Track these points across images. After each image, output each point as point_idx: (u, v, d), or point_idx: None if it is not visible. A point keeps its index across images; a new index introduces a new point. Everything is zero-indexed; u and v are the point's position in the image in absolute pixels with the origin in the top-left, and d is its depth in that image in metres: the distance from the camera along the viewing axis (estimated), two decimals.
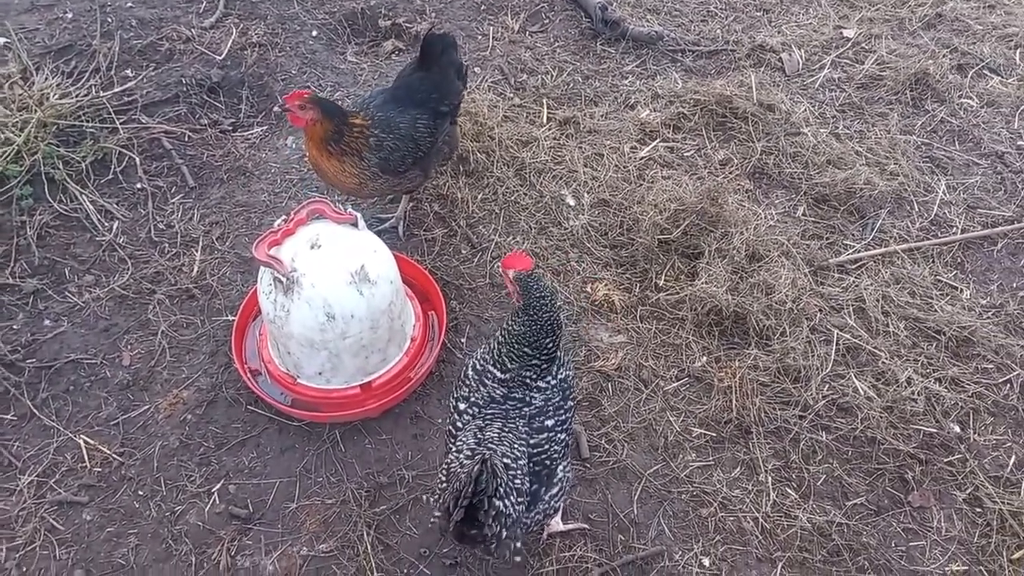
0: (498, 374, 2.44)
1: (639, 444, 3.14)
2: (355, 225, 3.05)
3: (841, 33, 5.13)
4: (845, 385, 3.29)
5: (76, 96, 4.28)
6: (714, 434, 3.17)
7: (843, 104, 4.66)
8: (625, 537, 2.88)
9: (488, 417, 2.42)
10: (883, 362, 3.36)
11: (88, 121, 4.21)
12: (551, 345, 2.41)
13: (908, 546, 2.90)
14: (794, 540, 2.88)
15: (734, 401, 3.22)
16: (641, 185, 4.07)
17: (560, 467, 2.48)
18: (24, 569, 2.78)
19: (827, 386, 3.29)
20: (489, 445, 2.26)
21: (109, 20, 4.78)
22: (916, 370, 3.34)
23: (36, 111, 4.08)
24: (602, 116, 4.52)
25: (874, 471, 3.07)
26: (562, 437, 2.45)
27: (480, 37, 5.02)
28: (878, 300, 3.59)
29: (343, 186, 3.43)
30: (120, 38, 4.64)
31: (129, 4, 4.93)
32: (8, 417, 3.17)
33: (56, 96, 4.20)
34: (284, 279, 2.83)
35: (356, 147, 3.26)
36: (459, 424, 2.46)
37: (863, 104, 4.65)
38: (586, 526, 2.90)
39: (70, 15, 4.81)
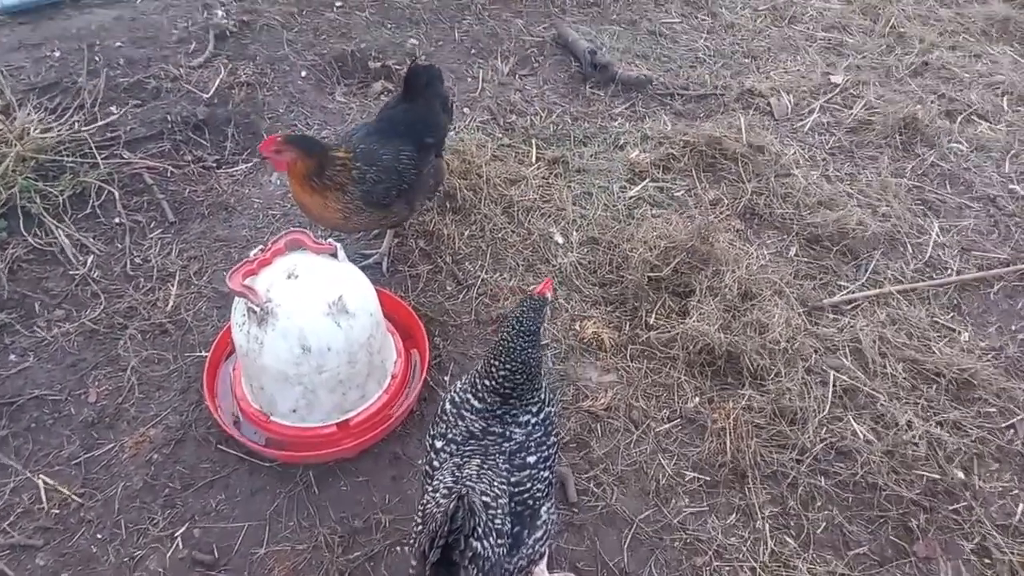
0: (476, 404, 2.31)
1: (629, 488, 2.99)
2: (335, 256, 2.95)
3: (829, 79, 5.17)
4: (843, 428, 3.16)
5: (57, 131, 4.22)
6: (708, 478, 3.02)
7: (833, 147, 4.65)
8: None
9: (467, 454, 2.28)
10: (882, 404, 3.24)
11: (68, 156, 4.14)
12: (521, 378, 2.28)
13: None
14: None
15: (728, 443, 3.08)
16: (631, 223, 4.00)
17: (544, 508, 2.32)
18: None
19: (825, 429, 3.16)
20: (467, 482, 2.10)
21: (97, 59, 4.77)
22: (916, 413, 3.22)
23: (15, 145, 4.01)
24: (591, 156, 4.49)
25: (876, 519, 2.92)
26: (545, 475, 2.31)
27: (470, 79, 5.03)
28: (875, 341, 3.49)
29: (327, 221, 3.34)
30: (106, 76, 4.62)
31: (118, 44, 4.92)
32: None
33: (37, 131, 4.14)
34: (258, 309, 2.71)
35: (339, 181, 3.19)
36: (435, 463, 2.31)
37: (853, 147, 4.65)
38: (573, 575, 2.72)
39: (58, 53, 4.79)
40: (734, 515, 2.92)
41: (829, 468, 3.04)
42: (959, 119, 4.84)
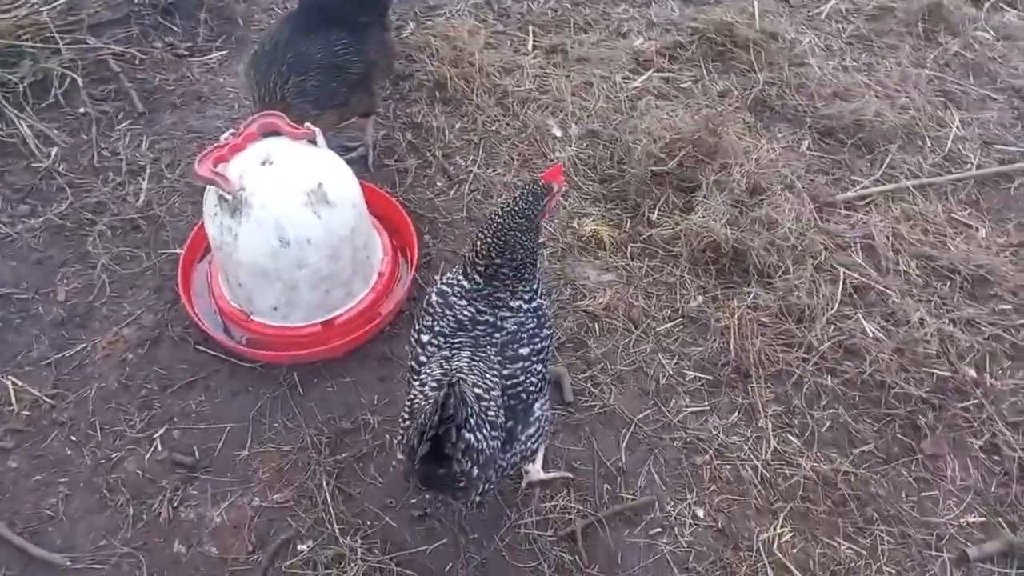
0: (465, 284, 2.16)
1: (628, 388, 2.86)
2: (313, 142, 2.72)
3: None
4: (852, 326, 3.02)
5: (15, 14, 3.88)
6: (710, 377, 2.90)
7: (851, 36, 4.33)
8: (612, 486, 2.62)
9: (456, 346, 2.13)
10: (893, 302, 3.09)
11: (28, 41, 3.82)
12: (502, 259, 2.14)
13: (920, 496, 2.65)
14: (796, 490, 2.63)
15: (732, 342, 2.94)
16: (633, 116, 3.74)
17: (538, 404, 2.20)
18: None
19: (833, 327, 3.02)
20: (457, 374, 1.95)
21: None
22: (929, 311, 3.07)
23: None
24: (592, 44, 4.17)
25: (883, 417, 2.82)
26: (538, 368, 2.17)
27: None
28: (888, 237, 3.31)
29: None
30: None
31: None
32: None
33: None
34: (230, 198, 2.50)
35: (285, 109, 2.85)
36: (422, 359, 2.16)
37: (872, 36, 4.32)
38: (570, 475, 2.63)
39: None
40: (736, 414, 2.81)
41: (836, 367, 2.92)
42: (986, 6, 4.50)
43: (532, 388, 2.15)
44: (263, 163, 2.62)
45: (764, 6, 4.35)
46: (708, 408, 2.83)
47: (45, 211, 3.28)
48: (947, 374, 2.90)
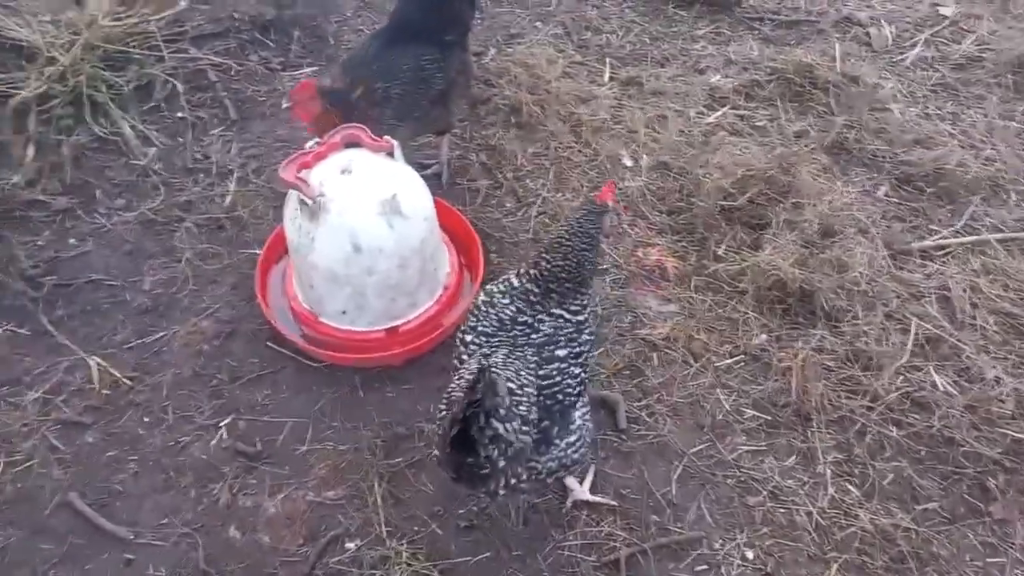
0: (514, 282, 2.28)
1: (683, 420, 2.84)
2: (391, 155, 2.83)
3: (937, 11, 4.70)
4: (923, 379, 2.93)
5: (126, 22, 4.16)
6: (769, 417, 2.85)
7: (935, 84, 4.25)
8: (660, 518, 2.59)
9: (495, 345, 2.22)
10: (968, 357, 2.99)
11: (136, 47, 4.09)
12: (565, 274, 2.26)
13: (986, 562, 2.53)
14: (853, 541, 2.55)
15: (794, 384, 2.89)
16: (706, 150, 3.74)
17: (579, 413, 2.25)
18: (19, 486, 2.63)
19: (901, 378, 2.93)
20: (493, 370, 2.01)
21: None
22: (1006, 369, 2.95)
23: (84, 33, 3.97)
24: (668, 78, 4.20)
25: (950, 475, 2.71)
26: (576, 372, 2.23)
27: None
28: (965, 290, 3.20)
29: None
30: None
31: None
32: (22, 332, 3.05)
33: (106, 20, 4.09)
34: (311, 203, 2.62)
35: (366, 113, 3.01)
36: (464, 356, 2.25)
37: (958, 85, 4.23)
38: (615, 503, 2.61)
39: None
40: (794, 457, 2.75)
41: (903, 419, 2.83)
42: None
43: (569, 391, 2.20)
44: (343, 172, 2.73)
45: (846, 49, 4.32)
46: (765, 448, 2.78)
47: (139, 206, 3.49)
48: (1022, 436, 2.77)
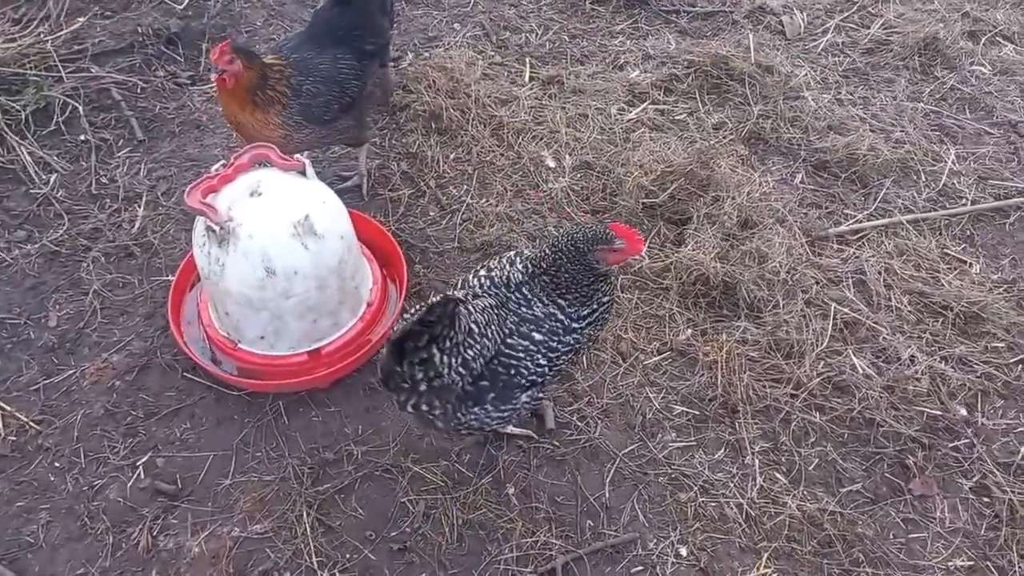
0: (527, 252, 2.35)
1: (614, 422, 2.85)
2: (303, 173, 2.75)
3: None
4: (842, 362, 3.00)
5: (20, 42, 3.96)
6: (697, 412, 2.88)
7: (847, 69, 4.35)
8: (594, 523, 2.59)
9: (488, 295, 2.28)
10: (884, 338, 3.07)
11: (32, 69, 3.90)
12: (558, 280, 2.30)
13: (908, 538, 2.61)
14: (782, 529, 2.60)
15: (720, 377, 2.93)
16: (627, 148, 3.76)
17: (524, 397, 2.33)
18: None
19: (822, 363, 3.00)
20: (463, 307, 2.12)
21: None
22: (920, 348, 3.05)
23: None
24: (588, 76, 4.21)
25: (872, 456, 2.79)
26: (542, 363, 2.27)
27: None
28: (880, 273, 3.30)
29: (267, 141, 3.08)
30: None
31: None
32: None
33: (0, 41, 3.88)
34: (218, 228, 2.53)
35: (278, 92, 2.93)
36: (463, 288, 2.34)
37: (868, 70, 4.35)
38: (533, 435, 2.72)
39: None
40: (722, 450, 2.78)
41: (825, 404, 2.89)
42: (983, 40, 4.51)
43: (525, 372, 2.25)
44: (252, 194, 2.64)
45: (760, 39, 4.39)
46: (694, 444, 2.81)
47: (41, 237, 3.32)
48: (938, 413, 2.87)
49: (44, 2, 4.26)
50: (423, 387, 2.15)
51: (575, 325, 2.31)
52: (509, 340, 2.24)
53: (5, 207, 3.45)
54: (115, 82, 3.99)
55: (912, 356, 3.00)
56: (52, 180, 3.54)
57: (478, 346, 2.18)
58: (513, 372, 2.25)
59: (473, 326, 2.16)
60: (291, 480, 2.64)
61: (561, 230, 2.36)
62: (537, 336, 2.26)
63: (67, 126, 3.77)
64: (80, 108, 3.78)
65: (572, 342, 2.31)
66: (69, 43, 4.09)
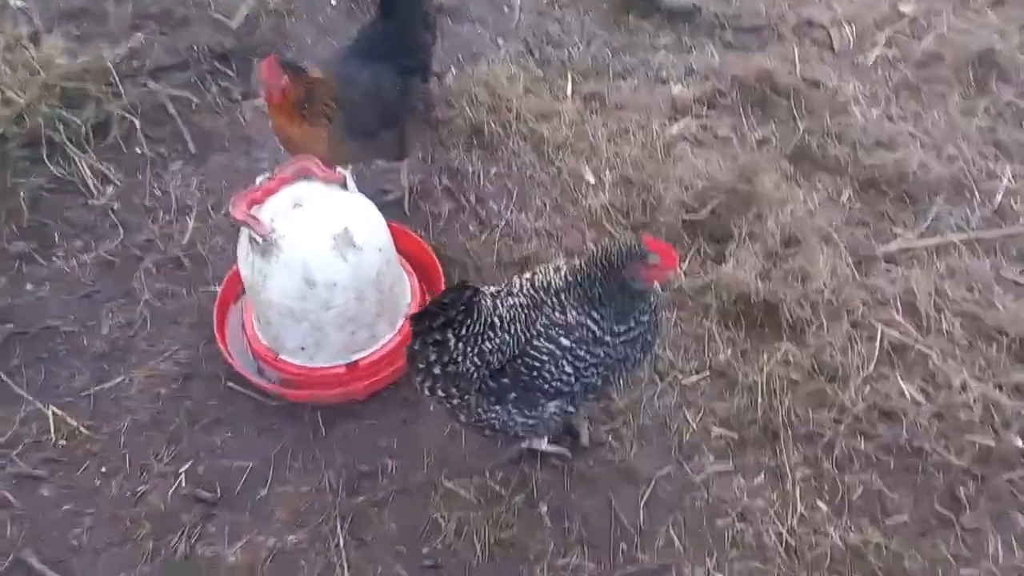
0: (570, 277, 2.29)
1: (650, 443, 2.81)
2: (344, 186, 2.79)
3: (898, 9, 4.69)
4: (890, 387, 2.91)
5: (82, 58, 4.12)
6: (736, 435, 2.82)
7: (897, 83, 4.23)
8: (628, 546, 2.56)
9: (524, 296, 2.29)
10: (934, 363, 2.97)
11: (93, 84, 4.05)
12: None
13: (959, 574, 2.50)
14: (823, 560, 2.52)
15: (760, 399, 2.87)
16: (668, 163, 3.72)
17: (551, 406, 2.32)
18: None
19: (868, 388, 2.91)
20: (485, 298, 2.18)
21: None
22: (973, 374, 2.94)
23: (41, 73, 3.93)
24: (630, 90, 4.18)
25: (920, 486, 2.69)
26: (568, 370, 2.24)
27: (506, 9, 4.72)
28: (930, 294, 3.19)
29: (313, 154, 3.14)
30: (133, 2, 4.47)
31: None
32: None
33: (62, 58, 4.05)
34: (261, 240, 2.59)
35: (323, 107, 2.98)
36: (503, 286, 2.37)
37: (920, 84, 4.21)
38: (567, 453, 2.71)
39: None
40: (762, 476, 2.72)
41: (871, 430, 2.81)
42: None
43: (547, 378, 2.24)
44: (295, 206, 2.70)
45: (806, 53, 4.30)
46: (733, 468, 2.75)
47: (97, 247, 3.43)
48: (991, 443, 2.76)
49: (105, 19, 4.44)
50: (437, 370, 2.20)
51: (607, 338, 2.28)
52: (535, 342, 2.23)
53: (65, 218, 3.57)
54: (170, 97, 4.12)
55: (964, 383, 2.89)
56: (109, 192, 3.66)
57: (497, 340, 2.20)
58: (536, 375, 2.24)
59: (496, 319, 2.20)
60: (326, 492, 2.67)
61: (594, 247, 2.35)
62: (564, 342, 2.24)
63: (124, 140, 3.89)
64: (137, 122, 3.91)
65: (602, 355, 2.28)
66: (128, 59, 4.23)
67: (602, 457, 2.76)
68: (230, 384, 2.98)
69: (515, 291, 2.32)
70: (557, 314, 2.26)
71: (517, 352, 2.22)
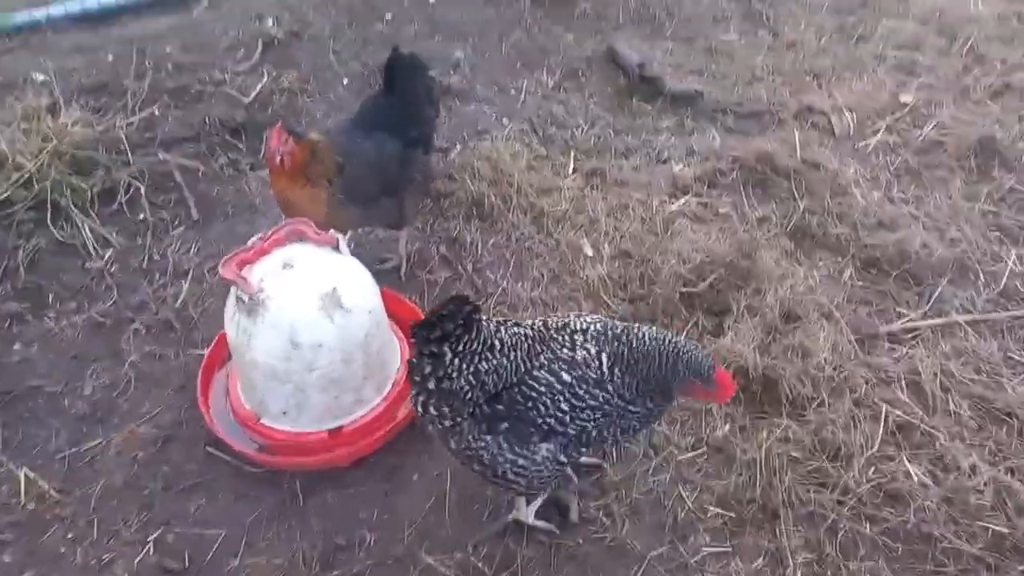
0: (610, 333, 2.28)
1: (643, 520, 2.67)
2: (336, 248, 2.79)
3: (898, 98, 4.79)
4: (895, 468, 2.78)
5: (96, 129, 4.24)
6: (733, 515, 2.68)
7: (899, 168, 4.27)
8: None
9: (531, 330, 2.28)
10: (941, 444, 2.84)
11: (104, 153, 4.15)
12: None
13: None
14: None
15: (759, 477, 2.73)
16: (667, 238, 3.72)
17: (543, 447, 2.23)
18: None
19: (873, 468, 2.78)
20: (484, 320, 2.15)
21: (147, 63, 4.80)
22: (982, 457, 2.80)
23: (53, 141, 4.04)
24: (632, 169, 4.24)
25: (930, 574, 2.51)
26: (564, 408, 2.19)
27: (513, 91, 4.86)
28: (936, 374, 3.09)
29: (312, 218, 3.16)
30: (152, 78, 4.65)
31: (169, 49, 4.96)
32: None
33: (77, 127, 4.16)
34: (247, 299, 2.56)
35: (325, 169, 3.04)
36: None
37: (921, 168, 4.25)
38: (555, 530, 2.60)
39: (110, 57, 4.86)
40: (761, 559, 2.56)
41: (876, 513, 2.66)
42: None
43: (542, 411, 2.18)
44: (284, 266, 2.69)
45: (806, 138, 4.37)
46: (730, 550, 2.60)
47: (90, 308, 3.42)
48: (1004, 529, 2.59)
49: (123, 94, 4.60)
50: (431, 385, 2.16)
51: (608, 386, 2.23)
52: (535, 372, 2.20)
53: (61, 280, 3.57)
54: (179, 166, 4.21)
55: (973, 465, 2.75)
56: (107, 255, 3.68)
57: (495, 362, 2.17)
58: (531, 405, 2.19)
59: (496, 342, 2.18)
60: (299, 565, 2.54)
61: (667, 333, 2.30)
62: (565, 377, 2.20)
63: (128, 205, 3.94)
64: (142, 189, 3.98)
65: (602, 400, 2.22)
66: (141, 130, 4.35)
67: (592, 535, 2.62)
68: (209, 449, 2.89)
69: (523, 325, 2.31)
70: (565, 351, 2.23)
71: (515, 380, 2.20)
